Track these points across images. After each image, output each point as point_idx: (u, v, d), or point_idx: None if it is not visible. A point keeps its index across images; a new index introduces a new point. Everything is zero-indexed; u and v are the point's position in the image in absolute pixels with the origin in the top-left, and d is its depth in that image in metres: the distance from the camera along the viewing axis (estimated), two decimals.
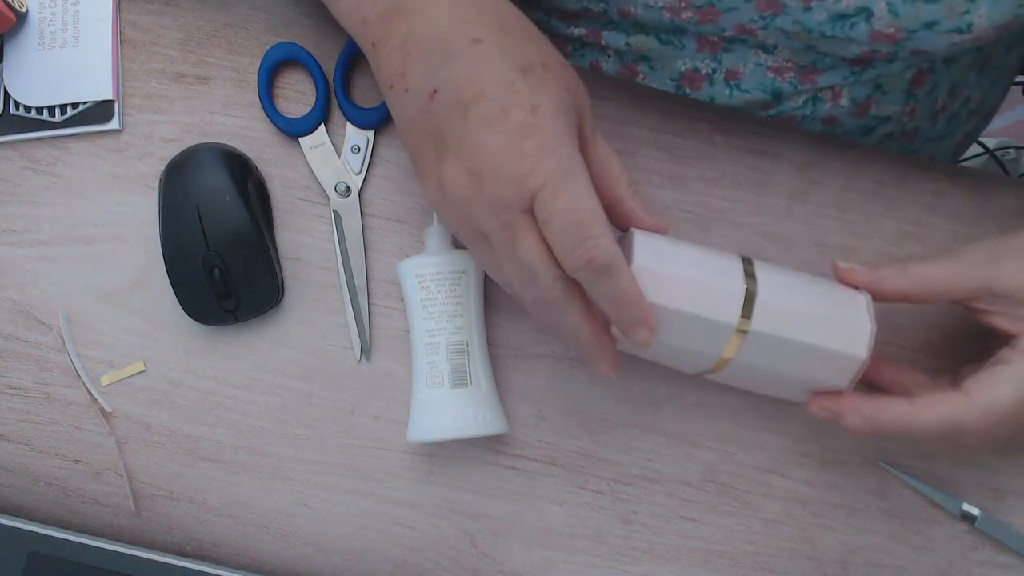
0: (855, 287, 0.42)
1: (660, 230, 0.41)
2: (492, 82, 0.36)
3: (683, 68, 0.53)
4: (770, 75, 0.52)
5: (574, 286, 0.37)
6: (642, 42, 0.52)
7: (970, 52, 0.53)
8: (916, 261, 0.42)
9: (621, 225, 0.42)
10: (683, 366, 0.44)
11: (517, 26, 0.38)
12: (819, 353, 0.40)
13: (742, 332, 0.40)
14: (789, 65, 0.51)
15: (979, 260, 0.41)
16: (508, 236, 0.36)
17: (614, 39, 0.53)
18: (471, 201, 0.36)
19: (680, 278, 0.40)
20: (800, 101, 0.53)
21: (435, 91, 0.37)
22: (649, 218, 0.41)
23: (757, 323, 0.40)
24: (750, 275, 0.41)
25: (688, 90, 0.54)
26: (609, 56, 0.54)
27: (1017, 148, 1.02)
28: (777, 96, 0.53)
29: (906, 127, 0.56)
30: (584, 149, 0.38)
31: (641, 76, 0.54)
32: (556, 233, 0.35)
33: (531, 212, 0.35)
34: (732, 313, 0.40)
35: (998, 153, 0.98)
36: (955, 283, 0.41)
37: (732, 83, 0.53)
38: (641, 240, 0.41)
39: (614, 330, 0.40)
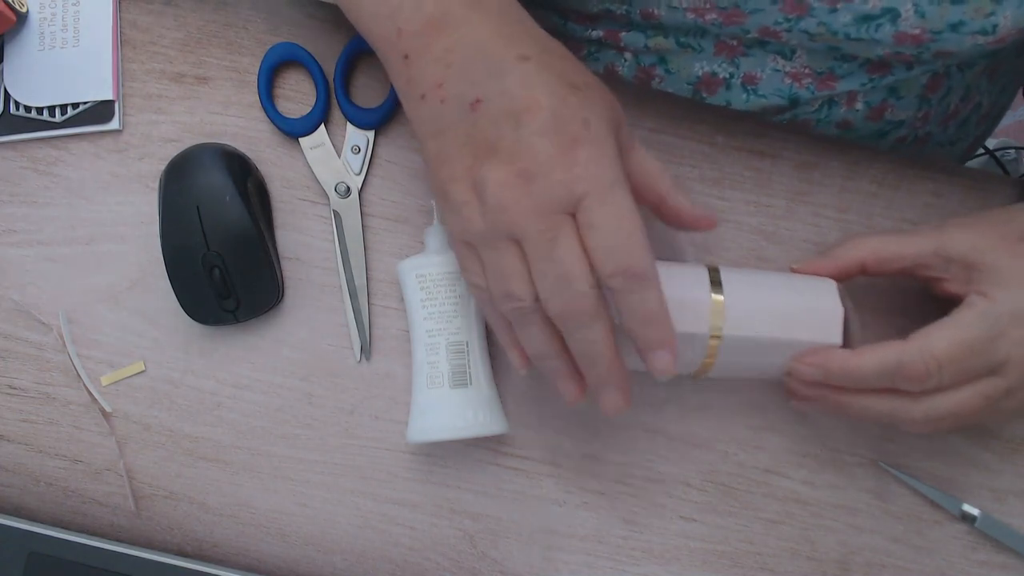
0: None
1: (709, 223, 0.42)
2: (545, 95, 0.36)
3: (700, 72, 0.53)
4: (787, 81, 0.52)
5: (604, 300, 0.37)
6: (661, 44, 0.52)
7: (984, 57, 0.54)
8: (866, 235, 0.44)
9: (671, 221, 0.42)
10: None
11: (556, 48, 0.39)
12: (795, 345, 0.42)
13: (716, 339, 0.41)
14: (807, 71, 0.51)
15: (927, 231, 0.43)
16: (550, 236, 0.35)
17: (633, 40, 0.53)
18: (515, 201, 0.36)
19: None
20: (816, 106, 0.53)
21: (479, 100, 0.37)
22: (697, 211, 0.42)
23: (729, 328, 0.41)
24: (716, 283, 0.42)
25: (705, 94, 0.54)
26: (626, 59, 0.54)
27: (1017, 148, 1.02)
28: (794, 102, 0.53)
29: (919, 132, 0.56)
30: (625, 160, 0.38)
31: (657, 79, 0.54)
32: (599, 237, 0.35)
33: (574, 216, 0.36)
34: (703, 323, 0.41)
35: (998, 153, 0.98)
36: (906, 249, 0.43)
37: (750, 88, 0.53)
38: None
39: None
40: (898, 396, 0.41)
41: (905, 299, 0.48)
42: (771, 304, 0.42)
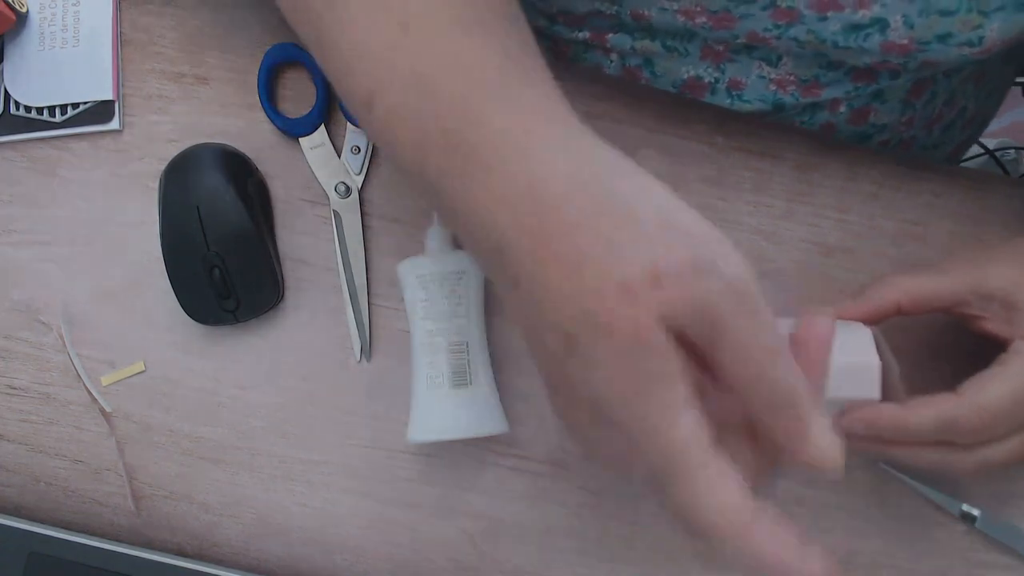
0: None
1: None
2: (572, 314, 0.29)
3: (686, 75, 0.53)
4: (772, 88, 0.52)
5: None
6: (647, 47, 0.52)
7: (971, 64, 0.54)
8: (900, 274, 0.43)
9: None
10: None
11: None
12: (831, 404, 0.41)
13: None
14: (791, 78, 0.51)
15: (963, 267, 0.42)
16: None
17: (620, 42, 0.53)
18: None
19: None
20: (799, 110, 0.53)
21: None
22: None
23: None
24: None
25: (691, 96, 0.54)
26: (612, 60, 0.54)
27: (1017, 148, 1.02)
28: (778, 107, 0.53)
29: (903, 136, 0.56)
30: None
31: (643, 81, 0.54)
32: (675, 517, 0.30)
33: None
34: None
35: (998, 153, 0.98)
36: (943, 288, 0.42)
37: (734, 93, 0.53)
38: None
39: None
40: (950, 448, 0.40)
41: (938, 340, 0.48)
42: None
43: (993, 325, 0.41)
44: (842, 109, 0.53)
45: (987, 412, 0.39)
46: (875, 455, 0.42)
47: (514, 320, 0.33)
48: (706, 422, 0.29)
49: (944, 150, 0.62)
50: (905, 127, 0.55)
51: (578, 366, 0.29)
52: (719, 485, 0.29)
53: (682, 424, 0.28)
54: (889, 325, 0.44)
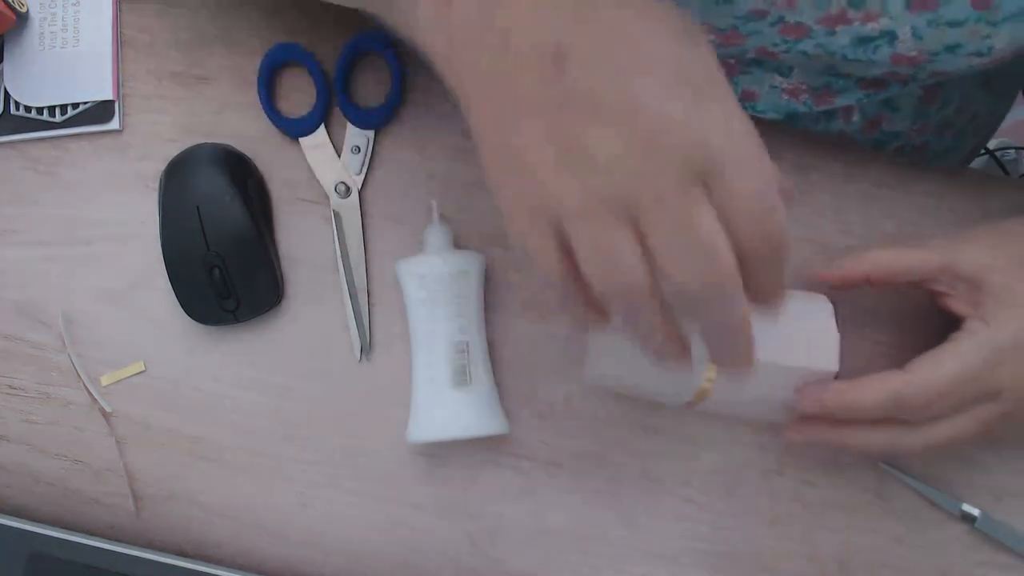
0: (820, 291, 0.44)
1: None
2: (660, 41, 0.31)
3: None
4: (785, 97, 0.52)
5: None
6: None
7: (980, 75, 0.54)
8: (873, 247, 0.44)
9: None
10: (667, 400, 0.45)
11: None
12: (792, 373, 0.42)
13: (713, 363, 0.41)
14: (804, 87, 0.51)
15: (938, 244, 0.43)
16: (684, 204, 0.30)
17: None
18: (636, 167, 0.30)
19: None
20: (812, 119, 0.53)
21: (560, 46, 0.31)
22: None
23: None
24: None
25: None
26: None
27: (1017, 148, 1.02)
28: (791, 117, 0.53)
29: (915, 142, 0.57)
30: None
31: None
32: (742, 199, 0.30)
33: (704, 181, 0.30)
34: (702, 345, 0.41)
35: (998, 153, 0.98)
36: (914, 262, 0.43)
37: (748, 104, 0.53)
38: None
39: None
40: (896, 426, 0.41)
41: (877, 315, 0.48)
42: (770, 328, 0.42)
43: (957, 304, 0.42)
44: (855, 118, 0.53)
45: (934, 389, 0.39)
46: (829, 442, 0.43)
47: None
48: None
49: (958, 154, 0.62)
50: (918, 133, 0.56)
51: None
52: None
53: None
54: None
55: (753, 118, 0.34)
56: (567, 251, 0.32)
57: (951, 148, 0.60)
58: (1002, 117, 0.66)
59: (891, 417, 0.41)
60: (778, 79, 0.51)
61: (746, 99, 0.53)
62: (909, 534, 0.48)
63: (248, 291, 0.47)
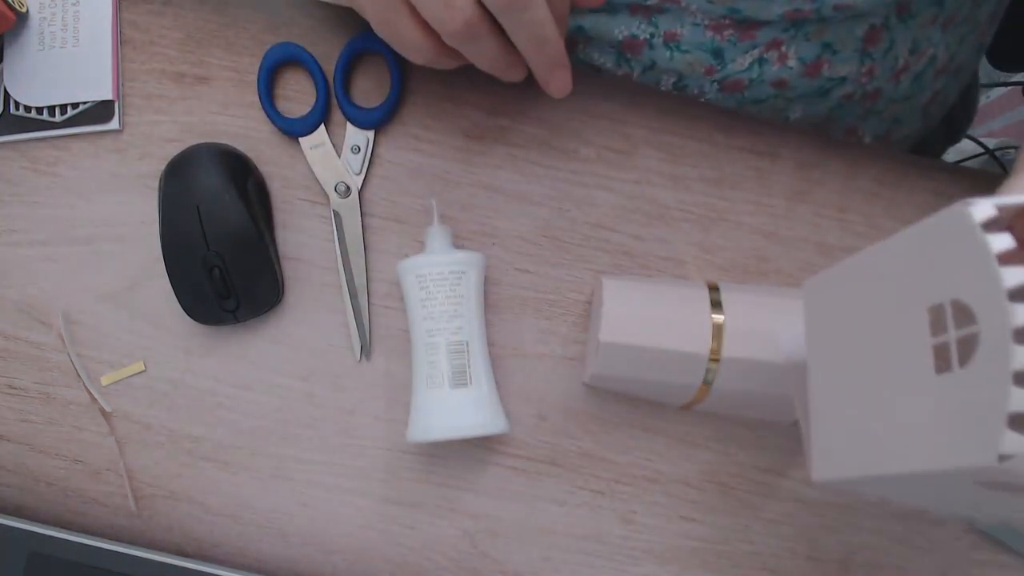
0: None
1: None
2: None
3: (620, 36, 0.52)
4: (709, 34, 0.51)
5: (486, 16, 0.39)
6: (574, 12, 0.52)
7: (927, 6, 0.52)
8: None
9: None
10: (667, 399, 0.46)
11: None
12: (792, 371, 0.42)
13: (715, 360, 0.42)
14: (727, 22, 0.50)
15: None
16: None
17: None
18: None
19: (650, 317, 0.42)
20: (746, 64, 0.52)
21: None
22: None
23: (728, 350, 0.42)
24: (716, 303, 0.43)
25: (630, 55, 0.53)
26: None
27: (1017, 148, 1.02)
28: (718, 56, 0.52)
29: (866, 88, 0.55)
30: None
31: (580, 47, 0.54)
32: None
33: None
34: (703, 344, 0.41)
35: (998, 153, 0.98)
36: None
37: (672, 45, 0.52)
38: (610, 285, 0.44)
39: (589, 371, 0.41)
40: None
41: None
42: (770, 327, 0.42)
43: None
44: (791, 63, 0.52)
45: None
46: None
47: None
48: None
49: (917, 100, 0.60)
50: (866, 79, 0.54)
51: None
52: None
53: None
54: None
55: (681, 62, 0.43)
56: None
57: (909, 94, 0.58)
58: (972, 63, 0.63)
59: None
60: (699, 16, 0.50)
61: (669, 40, 0.52)
62: (909, 534, 0.48)
63: (248, 291, 0.47)
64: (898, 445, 0.27)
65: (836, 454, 0.30)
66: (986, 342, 0.23)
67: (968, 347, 0.24)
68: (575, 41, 0.54)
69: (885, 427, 0.27)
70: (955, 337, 0.25)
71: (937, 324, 0.25)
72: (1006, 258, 0.23)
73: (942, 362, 0.25)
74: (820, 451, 0.32)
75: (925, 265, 0.26)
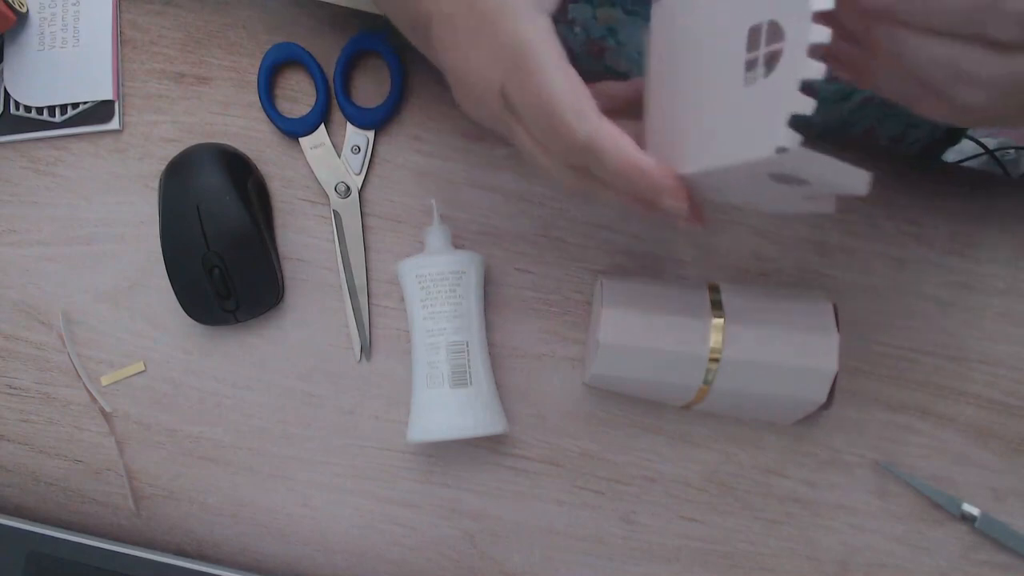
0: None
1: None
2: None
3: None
4: None
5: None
6: (608, 13, 0.51)
7: None
8: None
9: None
10: (667, 399, 0.46)
11: None
12: (792, 371, 0.42)
13: (715, 361, 0.42)
14: None
15: None
16: (508, 134, 0.36)
17: (581, 12, 0.52)
18: (469, 110, 0.37)
19: (650, 317, 0.42)
20: None
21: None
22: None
23: (728, 351, 0.42)
24: (717, 305, 0.43)
25: None
26: (576, 33, 0.54)
27: (1017, 148, 1.02)
28: None
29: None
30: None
31: (609, 52, 0.54)
32: (531, 127, 0.34)
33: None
34: (703, 345, 0.41)
35: (998, 153, 0.98)
36: None
37: None
38: (610, 285, 0.44)
39: None
40: (978, 45, 0.30)
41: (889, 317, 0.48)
42: (771, 328, 0.42)
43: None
44: None
45: None
46: (886, 39, 0.32)
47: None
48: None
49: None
50: None
51: None
52: (569, 75, 0.32)
53: (539, 21, 0.33)
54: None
55: None
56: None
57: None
58: None
59: (977, 33, 0.29)
60: None
61: None
62: (909, 534, 0.48)
63: (248, 291, 0.47)
64: (711, 145, 0.31)
65: (666, 156, 0.33)
66: (787, 54, 0.27)
67: (773, 61, 0.27)
68: (603, 48, 0.54)
69: (703, 131, 0.31)
70: (764, 52, 0.28)
71: (753, 42, 0.29)
72: None
73: (751, 74, 0.29)
74: (651, 148, 0.36)
75: None
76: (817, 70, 0.26)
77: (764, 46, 0.28)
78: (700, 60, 0.32)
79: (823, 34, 0.26)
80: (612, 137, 0.31)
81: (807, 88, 0.26)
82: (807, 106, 0.26)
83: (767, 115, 0.27)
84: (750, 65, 0.29)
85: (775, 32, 0.28)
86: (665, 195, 0.32)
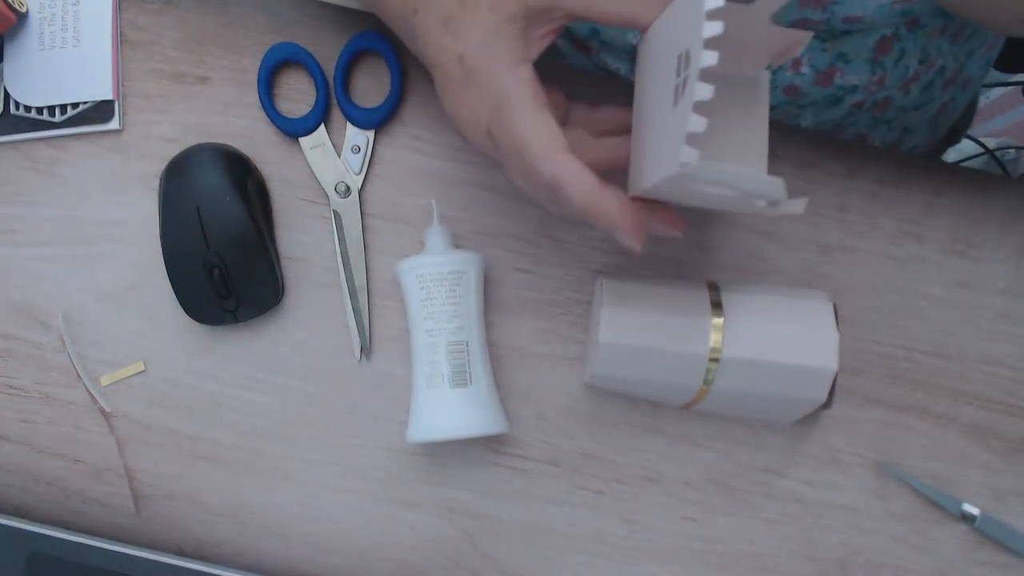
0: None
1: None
2: (431, 48, 0.39)
3: (634, 41, 0.52)
4: None
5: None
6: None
7: (934, 18, 0.52)
8: None
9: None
10: (667, 399, 0.46)
11: None
12: (791, 371, 0.42)
13: (715, 360, 0.42)
14: None
15: None
16: (497, 163, 0.40)
17: None
18: (465, 138, 0.41)
19: (650, 317, 0.42)
20: None
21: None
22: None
23: (728, 350, 0.42)
24: (716, 304, 0.43)
25: None
26: (560, 35, 0.54)
27: (1017, 148, 1.02)
28: None
29: (876, 97, 0.55)
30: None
31: (595, 51, 0.54)
32: (510, 165, 0.38)
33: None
34: (703, 344, 0.42)
35: (998, 153, 0.98)
36: None
37: None
38: (610, 285, 0.44)
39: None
40: None
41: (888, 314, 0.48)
42: (770, 327, 0.42)
43: None
44: (804, 70, 0.52)
45: None
46: None
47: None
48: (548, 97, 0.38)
49: (927, 111, 0.61)
50: (877, 87, 0.54)
51: (452, 35, 0.39)
52: (540, 120, 0.36)
53: (519, 72, 0.37)
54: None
55: None
56: None
57: (919, 104, 0.59)
58: (977, 76, 0.64)
59: None
60: None
61: None
62: (909, 534, 0.48)
63: (248, 291, 0.47)
64: (652, 162, 0.35)
65: (638, 172, 0.38)
66: (690, 80, 0.31)
67: (685, 86, 0.32)
68: (589, 47, 0.54)
69: (651, 149, 0.36)
70: (683, 77, 0.32)
71: (679, 68, 0.33)
72: (714, 15, 0.30)
73: (676, 98, 0.33)
74: (632, 165, 0.40)
75: (680, 21, 0.34)
76: (705, 91, 0.30)
77: (683, 71, 0.32)
78: (656, 86, 0.36)
79: (711, 58, 0.30)
80: (572, 177, 0.35)
81: (699, 108, 0.30)
82: (700, 125, 0.30)
83: (677, 134, 0.31)
84: (677, 90, 0.33)
85: (687, 60, 0.32)
86: (618, 232, 0.36)
